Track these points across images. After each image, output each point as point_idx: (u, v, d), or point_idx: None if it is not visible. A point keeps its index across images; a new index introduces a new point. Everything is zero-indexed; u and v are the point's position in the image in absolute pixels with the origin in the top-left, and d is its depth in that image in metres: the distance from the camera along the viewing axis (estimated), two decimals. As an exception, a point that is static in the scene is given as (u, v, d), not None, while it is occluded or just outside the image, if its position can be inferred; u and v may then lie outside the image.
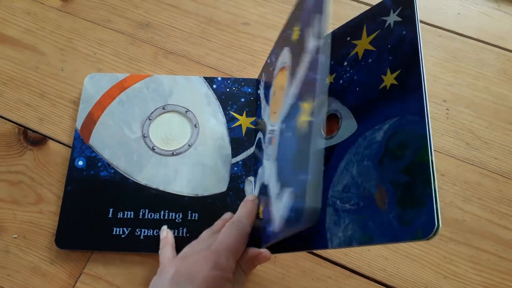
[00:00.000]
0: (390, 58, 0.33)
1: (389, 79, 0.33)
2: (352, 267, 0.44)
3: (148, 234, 0.44)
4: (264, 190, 0.39)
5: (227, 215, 0.43)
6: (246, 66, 0.53)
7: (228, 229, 0.37)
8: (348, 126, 0.36)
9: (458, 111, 0.50)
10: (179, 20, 0.56)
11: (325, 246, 0.34)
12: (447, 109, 0.50)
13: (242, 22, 0.56)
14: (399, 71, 0.32)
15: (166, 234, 0.43)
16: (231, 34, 0.55)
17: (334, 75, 0.39)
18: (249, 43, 0.55)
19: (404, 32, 0.33)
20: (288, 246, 0.38)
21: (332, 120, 0.38)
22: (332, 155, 0.36)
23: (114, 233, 0.43)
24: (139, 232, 0.44)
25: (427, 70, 0.52)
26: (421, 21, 0.55)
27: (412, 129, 0.30)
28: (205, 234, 0.40)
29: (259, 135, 0.45)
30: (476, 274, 0.43)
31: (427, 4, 0.57)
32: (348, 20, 0.38)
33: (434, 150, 0.48)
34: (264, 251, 0.37)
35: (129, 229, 0.44)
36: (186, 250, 0.38)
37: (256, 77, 0.51)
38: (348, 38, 0.38)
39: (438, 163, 0.48)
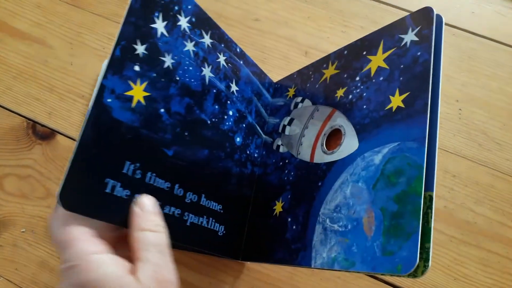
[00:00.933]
0: (401, 78, 0.32)
1: (396, 100, 0.31)
2: (361, 267, 0.43)
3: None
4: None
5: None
6: (256, 63, 0.53)
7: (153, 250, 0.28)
8: (349, 143, 0.34)
9: (471, 112, 0.50)
10: (189, 15, 0.56)
11: (308, 265, 0.32)
12: (460, 109, 0.50)
13: (253, 18, 0.55)
14: (407, 93, 0.31)
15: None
16: (241, 30, 0.55)
17: (345, 89, 0.37)
18: (259, 39, 0.54)
19: (418, 53, 0.31)
20: (274, 258, 0.36)
21: (336, 135, 0.37)
22: (329, 171, 0.35)
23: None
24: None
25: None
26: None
27: (409, 156, 0.28)
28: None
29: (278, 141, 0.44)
30: (486, 277, 0.43)
31: (441, 2, 0.56)
32: (366, 34, 0.37)
33: (445, 150, 0.47)
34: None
35: (160, 203, 0.33)
36: None
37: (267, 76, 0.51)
38: (364, 53, 0.36)
39: (449, 163, 0.47)
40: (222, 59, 0.40)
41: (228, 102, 0.40)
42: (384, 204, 0.29)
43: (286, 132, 0.43)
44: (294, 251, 0.34)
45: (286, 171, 0.40)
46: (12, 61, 0.53)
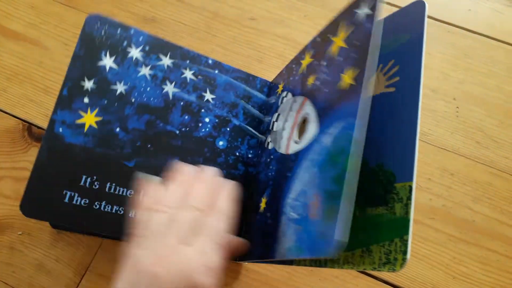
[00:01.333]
0: (355, 55, 0.29)
1: (347, 78, 0.29)
2: (360, 267, 0.43)
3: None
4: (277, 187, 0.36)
5: (192, 169, 0.37)
6: (252, 62, 0.53)
7: (216, 221, 0.31)
8: (311, 130, 0.33)
9: (469, 110, 0.49)
10: (184, 15, 0.55)
11: (273, 257, 0.31)
12: (457, 107, 0.50)
13: (249, 17, 0.55)
14: (358, 70, 0.28)
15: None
16: (237, 29, 0.55)
17: (315, 76, 0.35)
18: (255, 38, 0.54)
19: (367, 25, 0.29)
20: (255, 255, 0.35)
21: (305, 123, 0.35)
22: (296, 161, 0.33)
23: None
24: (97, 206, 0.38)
25: (435, 67, 0.52)
26: (430, 17, 0.54)
27: (350, 133, 0.26)
28: (179, 211, 0.31)
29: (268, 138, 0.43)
30: (485, 275, 0.43)
31: (437, -1, 0.56)
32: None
33: (443, 148, 0.47)
34: (244, 240, 0.33)
35: (122, 209, 0.39)
36: (154, 235, 0.30)
37: (263, 77, 0.50)
38: (329, 36, 0.34)
39: (447, 162, 0.47)
40: (188, 73, 0.43)
41: (202, 110, 0.43)
42: (328, 186, 0.27)
43: (274, 128, 0.42)
44: (268, 245, 0.33)
45: (270, 167, 0.39)
46: (7, 62, 0.52)
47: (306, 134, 0.33)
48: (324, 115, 0.31)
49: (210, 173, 0.36)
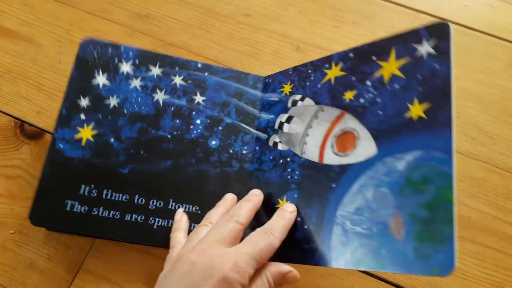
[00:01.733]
0: (420, 89, 0.33)
1: (416, 110, 0.33)
2: (355, 264, 0.43)
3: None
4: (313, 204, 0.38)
5: (230, 195, 0.42)
6: (247, 59, 0.52)
7: (256, 235, 0.35)
8: (366, 147, 0.35)
9: (464, 106, 0.49)
10: (179, 11, 0.55)
11: (329, 264, 0.34)
12: (453, 103, 0.49)
13: (244, 13, 0.55)
14: (428, 104, 0.32)
15: (180, 217, 0.41)
16: (233, 25, 0.54)
17: (354, 92, 0.38)
18: (251, 35, 0.54)
19: (437, 66, 0.32)
20: (284, 256, 0.36)
21: (347, 137, 0.37)
22: (344, 174, 0.36)
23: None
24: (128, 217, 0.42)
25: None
26: (427, 13, 0.54)
27: (437, 166, 0.30)
28: (221, 219, 0.36)
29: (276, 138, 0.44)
30: (481, 271, 0.42)
31: (433, -5, 0.55)
32: (375, 39, 0.38)
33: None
34: (294, 271, 0.35)
35: (119, 213, 0.42)
36: (198, 237, 0.35)
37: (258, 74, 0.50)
38: (374, 58, 0.37)
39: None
40: (178, 80, 0.46)
41: (193, 113, 0.45)
42: (413, 210, 0.30)
43: (285, 130, 0.42)
44: (308, 250, 0.35)
45: (289, 170, 0.40)
46: (0, 59, 0.52)
47: (357, 150, 0.35)
48: (384, 137, 0.34)
49: (254, 192, 0.40)
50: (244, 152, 0.45)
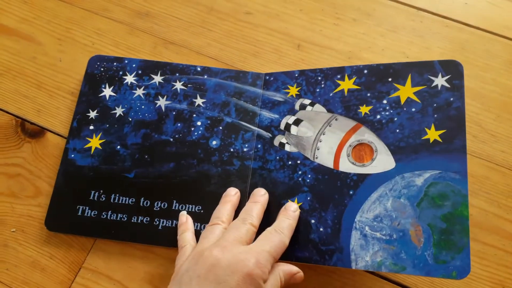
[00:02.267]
0: (436, 115, 0.38)
1: (433, 134, 0.38)
2: (356, 262, 0.43)
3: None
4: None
5: (233, 190, 0.43)
6: (247, 57, 0.52)
7: (270, 234, 0.37)
8: (384, 161, 0.39)
9: (465, 103, 0.49)
10: (179, 9, 0.55)
11: (349, 266, 0.37)
12: (454, 101, 0.49)
13: (244, 11, 0.55)
14: (444, 130, 0.38)
15: (185, 219, 0.42)
16: (233, 23, 0.54)
17: (370, 107, 0.41)
18: (251, 33, 0.53)
19: (451, 99, 0.38)
20: (301, 257, 0.39)
21: (363, 148, 0.40)
22: (362, 183, 0.39)
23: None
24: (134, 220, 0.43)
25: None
26: (427, 11, 0.54)
27: (453, 185, 0.36)
28: (236, 221, 0.38)
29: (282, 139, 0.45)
30: (482, 269, 0.42)
31: (433, -7, 0.55)
32: (391, 62, 0.42)
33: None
34: (301, 272, 0.37)
35: (126, 215, 0.43)
36: (213, 235, 0.37)
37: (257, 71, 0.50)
38: (390, 79, 0.41)
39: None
40: (178, 85, 0.48)
41: (194, 115, 0.47)
42: (432, 221, 0.36)
43: (293, 132, 0.44)
44: (326, 252, 0.38)
45: (300, 172, 0.42)
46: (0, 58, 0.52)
47: (375, 162, 0.39)
48: (402, 154, 0.39)
49: (260, 192, 0.42)
50: (245, 149, 0.45)
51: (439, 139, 0.37)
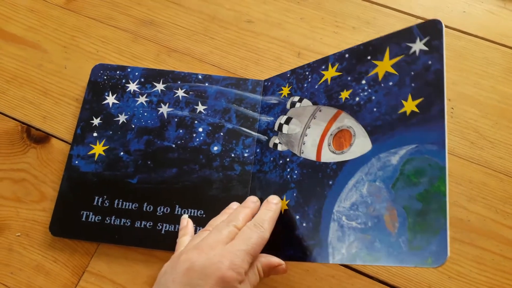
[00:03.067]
0: (413, 84, 0.34)
1: (410, 105, 0.33)
2: (356, 266, 0.43)
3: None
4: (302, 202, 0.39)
5: (235, 204, 0.43)
6: (249, 64, 0.53)
7: (248, 231, 0.36)
8: (361, 144, 0.36)
9: (463, 110, 0.50)
10: (182, 18, 0.56)
11: (326, 260, 0.35)
12: (452, 108, 0.50)
13: (246, 20, 0.56)
14: (421, 99, 0.33)
15: (186, 223, 0.42)
16: (235, 32, 0.55)
17: (350, 91, 0.39)
18: (252, 41, 0.54)
19: (429, 62, 0.33)
20: (285, 255, 0.38)
21: (343, 135, 0.38)
22: (341, 171, 0.37)
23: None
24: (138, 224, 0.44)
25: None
26: (425, 19, 0.55)
27: (430, 158, 0.31)
28: (220, 224, 0.38)
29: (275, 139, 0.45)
30: (480, 274, 0.43)
31: (432, 1, 0.56)
32: (370, 39, 0.39)
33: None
34: (284, 264, 0.37)
35: (129, 220, 0.44)
36: (199, 239, 0.37)
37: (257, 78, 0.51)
38: (369, 57, 0.38)
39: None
40: (180, 92, 0.49)
41: (196, 122, 0.48)
42: (407, 202, 0.31)
43: (284, 131, 0.44)
44: (307, 248, 0.36)
45: (289, 169, 0.41)
46: (6, 65, 0.53)
47: (353, 147, 0.36)
48: (379, 133, 0.35)
49: (252, 199, 0.41)
50: (245, 155, 0.46)
51: (416, 110, 0.33)
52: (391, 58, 0.36)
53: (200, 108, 0.48)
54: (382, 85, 0.36)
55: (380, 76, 0.37)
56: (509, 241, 0.44)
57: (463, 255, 0.43)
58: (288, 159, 0.42)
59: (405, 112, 0.34)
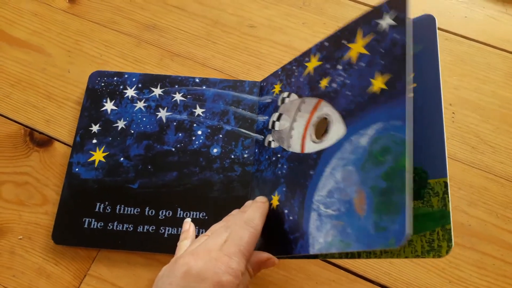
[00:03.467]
0: (382, 62, 0.32)
1: (378, 83, 0.32)
2: (357, 271, 0.43)
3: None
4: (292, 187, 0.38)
5: (236, 211, 0.42)
6: (251, 69, 0.54)
7: (240, 230, 0.36)
8: (336, 130, 0.35)
9: (464, 115, 0.50)
10: (185, 22, 0.56)
11: (307, 251, 0.34)
12: (453, 112, 0.50)
13: (248, 24, 0.56)
14: (389, 76, 0.31)
15: (188, 227, 0.43)
16: (237, 36, 0.55)
17: (328, 78, 0.38)
18: (255, 45, 0.55)
19: (397, 36, 0.32)
20: (275, 250, 0.38)
21: (322, 123, 0.38)
22: (319, 159, 0.36)
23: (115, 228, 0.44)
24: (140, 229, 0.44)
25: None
26: (427, 24, 0.55)
27: (394, 134, 0.29)
28: (219, 229, 0.38)
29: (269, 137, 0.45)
30: (481, 279, 0.43)
31: (433, 7, 0.56)
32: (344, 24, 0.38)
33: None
34: (273, 257, 0.37)
35: (132, 225, 0.44)
36: (197, 244, 0.37)
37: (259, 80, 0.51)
38: (344, 42, 0.37)
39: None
40: (178, 96, 0.50)
41: (194, 125, 0.49)
42: (374, 182, 0.30)
43: (276, 128, 0.44)
44: (293, 241, 0.36)
45: (279, 165, 0.41)
46: (11, 69, 0.53)
47: (329, 134, 0.36)
48: (352, 116, 0.34)
49: (247, 203, 0.41)
50: (245, 156, 0.47)
51: (385, 87, 0.31)
52: (363, 38, 0.35)
53: (199, 111, 0.49)
54: (356, 67, 0.35)
55: (354, 59, 0.35)
56: (510, 245, 0.44)
57: (464, 260, 0.43)
58: (279, 155, 0.42)
59: (374, 91, 0.32)
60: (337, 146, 0.34)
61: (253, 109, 0.49)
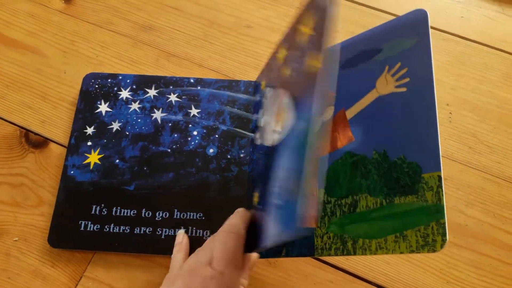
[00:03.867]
0: (318, 39, 0.30)
1: (312, 61, 0.30)
2: (354, 271, 0.43)
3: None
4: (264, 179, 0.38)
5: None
6: (248, 69, 0.53)
7: (223, 238, 0.36)
8: (290, 118, 0.34)
9: (462, 115, 0.50)
10: (181, 23, 0.56)
11: (264, 246, 0.33)
12: (450, 112, 0.50)
13: (245, 25, 0.56)
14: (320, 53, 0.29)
15: (181, 239, 0.42)
16: (234, 37, 0.55)
17: (289, 66, 0.37)
18: (252, 46, 0.55)
19: (325, 4, 0.30)
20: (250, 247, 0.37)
21: (282, 113, 0.37)
22: (277, 150, 0.35)
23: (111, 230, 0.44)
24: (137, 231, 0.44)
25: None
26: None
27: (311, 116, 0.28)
28: (210, 241, 0.38)
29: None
30: (478, 279, 0.43)
31: (430, 7, 0.56)
32: None
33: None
34: (255, 253, 0.37)
35: (128, 227, 0.44)
36: (192, 259, 0.37)
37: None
38: (298, 26, 0.35)
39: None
40: (173, 97, 0.50)
41: (190, 125, 0.48)
42: (300, 166, 0.28)
43: (261, 124, 0.44)
44: (259, 235, 0.35)
45: (260, 162, 0.41)
46: (6, 70, 0.53)
47: (285, 124, 0.35)
48: (298, 102, 0.33)
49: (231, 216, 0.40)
50: (241, 155, 0.47)
51: (321, 65, 0.29)
52: (313, 20, 0.32)
53: (194, 111, 0.49)
54: (306, 50, 0.33)
55: (306, 42, 0.33)
56: (507, 246, 0.44)
57: (461, 260, 0.43)
58: (261, 152, 0.42)
59: (314, 71, 0.30)
60: (289, 134, 0.33)
61: (249, 108, 0.49)
